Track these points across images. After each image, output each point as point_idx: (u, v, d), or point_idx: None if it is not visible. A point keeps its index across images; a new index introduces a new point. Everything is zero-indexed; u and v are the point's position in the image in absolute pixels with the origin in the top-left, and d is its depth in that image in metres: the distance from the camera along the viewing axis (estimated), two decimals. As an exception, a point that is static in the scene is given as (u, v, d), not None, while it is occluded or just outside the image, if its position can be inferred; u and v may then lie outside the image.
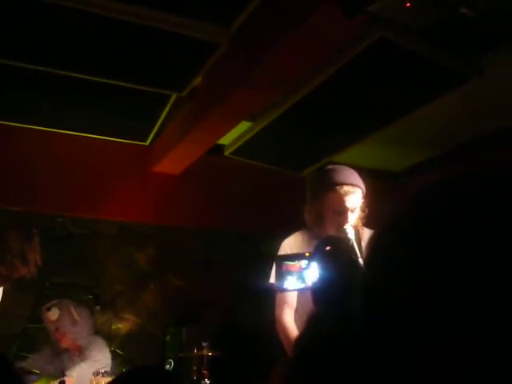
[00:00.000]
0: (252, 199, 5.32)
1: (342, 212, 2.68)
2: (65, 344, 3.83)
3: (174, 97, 4.31)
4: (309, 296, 2.70)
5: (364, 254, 2.86)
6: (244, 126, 4.70)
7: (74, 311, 3.83)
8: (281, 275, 1.75)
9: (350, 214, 2.69)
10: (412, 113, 4.19)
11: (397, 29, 2.96)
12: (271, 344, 3.53)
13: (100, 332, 4.25)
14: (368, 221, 2.83)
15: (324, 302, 1.18)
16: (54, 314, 3.79)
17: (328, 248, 1.42)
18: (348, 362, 0.87)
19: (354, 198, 2.69)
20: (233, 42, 3.50)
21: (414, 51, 3.22)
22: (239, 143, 5.03)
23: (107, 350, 3.95)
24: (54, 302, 3.90)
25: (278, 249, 2.96)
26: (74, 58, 3.74)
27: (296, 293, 2.74)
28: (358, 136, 4.77)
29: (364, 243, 2.86)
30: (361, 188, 2.74)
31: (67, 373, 3.53)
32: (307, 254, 1.72)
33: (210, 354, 3.97)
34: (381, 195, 5.49)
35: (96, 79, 3.98)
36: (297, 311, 2.87)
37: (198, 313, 4.77)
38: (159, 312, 4.78)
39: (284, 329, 2.77)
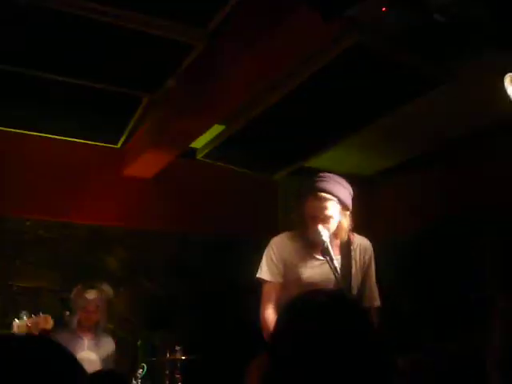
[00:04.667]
0: (224, 202, 5.31)
1: (315, 218, 2.81)
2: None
3: (146, 99, 4.28)
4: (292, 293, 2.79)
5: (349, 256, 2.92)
6: (216, 129, 4.69)
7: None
8: None
9: (324, 221, 2.80)
10: (384, 117, 4.24)
11: (371, 34, 3.00)
12: (245, 347, 3.52)
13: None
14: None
15: None
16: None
17: None
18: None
19: (328, 205, 2.80)
20: (208, 45, 3.50)
21: (388, 56, 3.27)
22: (211, 146, 5.01)
23: None
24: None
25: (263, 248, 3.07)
26: (44, 57, 3.68)
27: (278, 290, 2.95)
28: (330, 141, 4.81)
29: (358, 249, 2.98)
30: (338, 198, 2.83)
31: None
32: None
33: (183, 357, 3.95)
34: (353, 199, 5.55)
35: (67, 79, 3.92)
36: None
37: (170, 317, 4.73)
38: (131, 316, 4.72)
39: (264, 322, 2.93)
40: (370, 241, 3.10)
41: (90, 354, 3.92)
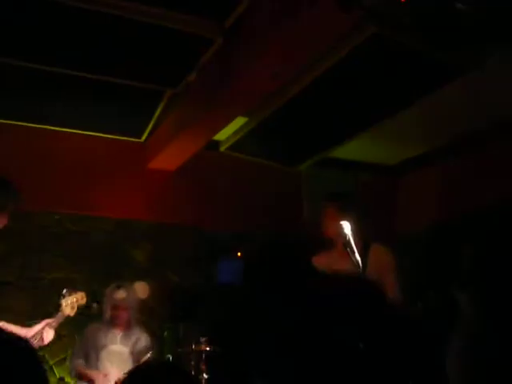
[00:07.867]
0: (248, 194, 5.32)
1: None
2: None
3: (168, 93, 4.30)
4: None
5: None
6: (239, 121, 4.69)
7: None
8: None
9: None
10: (407, 107, 4.20)
11: (391, 23, 2.97)
12: (268, 339, 3.54)
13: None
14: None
15: None
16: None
17: None
18: None
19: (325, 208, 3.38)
20: (227, 38, 3.50)
21: (409, 46, 3.23)
22: (235, 139, 5.02)
23: None
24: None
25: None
26: (67, 54, 3.73)
27: None
28: (353, 131, 4.78)
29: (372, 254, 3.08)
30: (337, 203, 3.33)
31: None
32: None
33: (207, 349, 3.98)
34: (376, 188, 5.53)
35: (90, 76, 3.97)
36: None
37: (195, 308, 4.78)
38: (156, 308, 4.78)
39: None
40: (395, 231, 3.15)
41: (121, 347, 3.98)
